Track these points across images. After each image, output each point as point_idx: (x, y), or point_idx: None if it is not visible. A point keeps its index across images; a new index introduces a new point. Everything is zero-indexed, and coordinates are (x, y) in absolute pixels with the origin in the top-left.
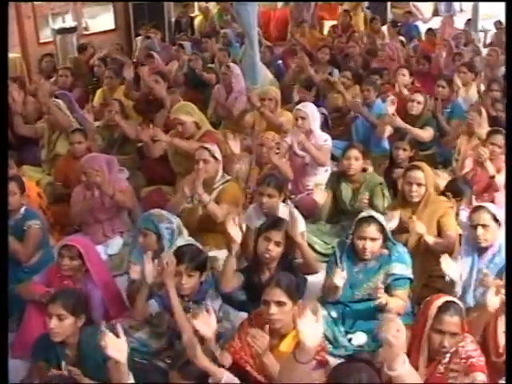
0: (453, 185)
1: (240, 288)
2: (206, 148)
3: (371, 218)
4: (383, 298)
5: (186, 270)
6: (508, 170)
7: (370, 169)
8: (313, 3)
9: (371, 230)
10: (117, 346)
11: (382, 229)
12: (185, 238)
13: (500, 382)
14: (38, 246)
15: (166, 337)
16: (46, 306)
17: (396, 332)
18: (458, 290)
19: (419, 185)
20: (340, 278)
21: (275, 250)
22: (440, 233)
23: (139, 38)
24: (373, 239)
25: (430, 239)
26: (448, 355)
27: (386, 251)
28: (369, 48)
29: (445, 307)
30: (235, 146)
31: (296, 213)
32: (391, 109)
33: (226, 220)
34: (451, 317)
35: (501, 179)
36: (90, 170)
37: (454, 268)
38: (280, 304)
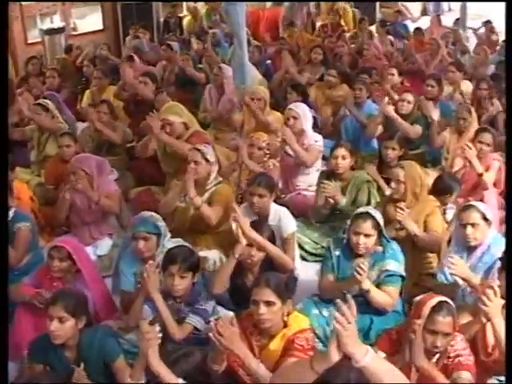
0: (440, 182)
1: (226, 291)
2: (198, 149)
3: (367, 214)
4: (366, 283)
5: (179, 271)
6: (508, 170)
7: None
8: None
9: (366, 226)
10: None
11: (377, 225)
12: (172, 240)
13: (491, 381)
14: (27, 248)
15: None
16: (45, 308)
17: (344, 321)
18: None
19: (398, 182)
20: (367, 281)
21: (257, 255)
22: (426, 231)
23: (129, 37)
24: (367, 235)
25: (414, 228)
26: (437, 354)
27: (380, 248)
28: (357, 48)
29: (438, 307)
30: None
31: (286, 213)
32: (388, 108)
33: (232, 222)
34: (444, 317)
35: (489, 177)
36: (78, 170)
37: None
38: (269, 304)
